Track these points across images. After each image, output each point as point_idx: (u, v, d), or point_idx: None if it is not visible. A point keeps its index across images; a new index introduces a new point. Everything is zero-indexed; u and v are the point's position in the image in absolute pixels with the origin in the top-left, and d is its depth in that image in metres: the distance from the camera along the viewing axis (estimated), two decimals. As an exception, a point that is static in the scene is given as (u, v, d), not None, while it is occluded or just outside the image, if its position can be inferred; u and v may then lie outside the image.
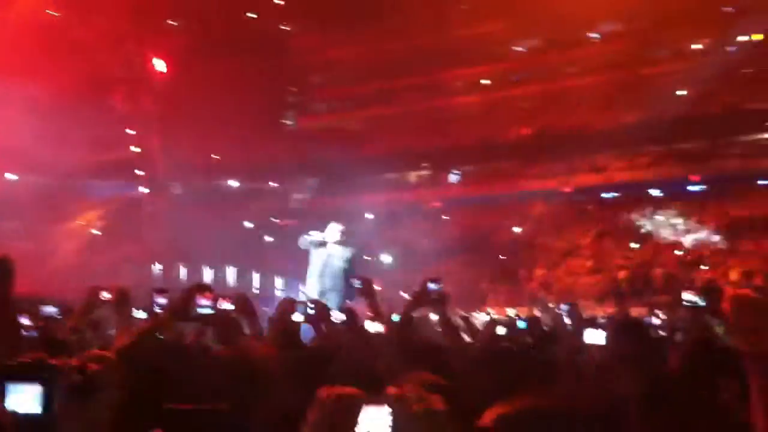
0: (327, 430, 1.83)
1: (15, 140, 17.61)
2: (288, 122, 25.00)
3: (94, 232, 22.10)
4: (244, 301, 4.48)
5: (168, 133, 21.80)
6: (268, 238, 23.00)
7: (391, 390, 1.97)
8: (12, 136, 17.28)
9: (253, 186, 24.36)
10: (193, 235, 20.73)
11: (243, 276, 19.16)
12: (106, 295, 4.56)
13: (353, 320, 5.21)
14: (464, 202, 22.74)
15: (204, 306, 4.21)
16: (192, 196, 22.81)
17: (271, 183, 24.88)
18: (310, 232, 10.55)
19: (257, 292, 18.34)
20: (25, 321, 4.49)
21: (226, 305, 4.70)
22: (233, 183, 23.74)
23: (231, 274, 19.31)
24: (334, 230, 10.42)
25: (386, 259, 21.43)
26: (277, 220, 23.97)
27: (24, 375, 2.21)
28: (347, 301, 9.61)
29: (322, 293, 9.92)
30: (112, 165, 21.97)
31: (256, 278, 19.34)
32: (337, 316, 5.58)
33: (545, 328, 6.26)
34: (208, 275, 19.03)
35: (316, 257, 10.51)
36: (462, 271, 20.35)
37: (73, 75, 19.19)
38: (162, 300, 5.13)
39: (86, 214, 22.37)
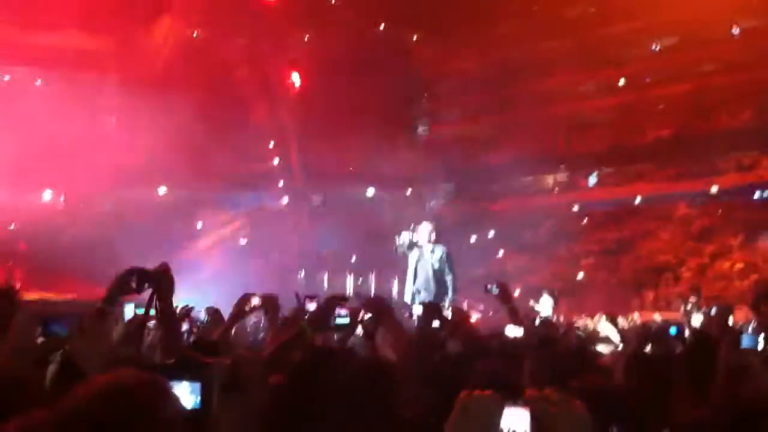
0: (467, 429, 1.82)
1: (165, 155, 18.61)
2: (421, 130, 25.17)
3: (242, 242, 22.99)
4: (379, 305, 4.55)
5: (306, 145, 22.44)
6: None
7: (532, 392, 1.97)
8: (161, 151, 18.27)
9: (389, 194, 24.66)
10: (334, 243, 21.23)
11: (383, 282, 19.40)
12: (255, 302, 4.78)
13: (461, 320, 5.25)
14: (603, 205, 22.22)
15: (342, 316, 4.32)
16: (332, 205, 23.38)
17: (407, 190, 25.10)
18: (402, 233, 10.48)
19: (396, 297, 18.53)
20: (183, 326, 4.80)
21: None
22: (370, 191, 24.09)
23: (372, 280, 19.59)
24: (424, 230, 10.33)
25: (520, 262, 21.18)
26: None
27: (182, 373, 2.36)
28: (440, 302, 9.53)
29: (415, 294, 9.87)
30: (255, 177, 22.79)
31: (395, 284, 19.54)
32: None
33: (696, 334, 6.05)
34: (349, 282, 19.41)
35: (411, 259, 10.47)
36: (603, 276, 19.86)
37: (217, 92, 20.12)
38: (312, 306, 5.34)
39: (233, 224, 23.30)
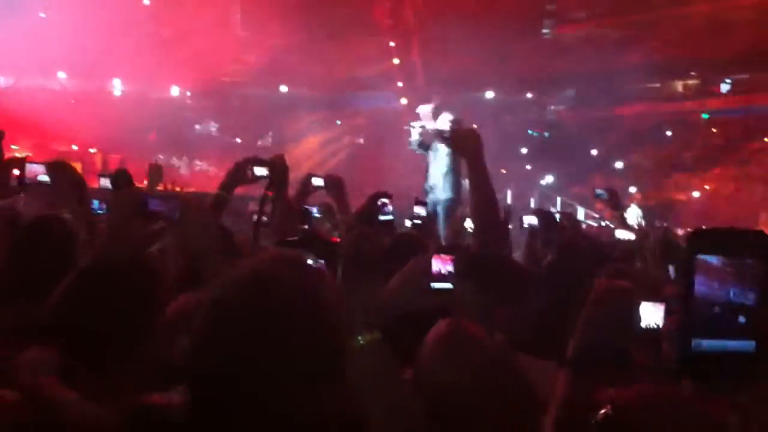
0: (605, 323, 1.81)
1: (286, 55, 18.85)
2: (545, 32, 24.35)
3: (359, 141, 23.26)
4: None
5: (427, 45, 22.17)
6: (524, 150, 22.93)
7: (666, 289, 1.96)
8: (283, 50, 18.51)
9: (510, 98, 24.21)
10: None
11: (498, 188, 19.28)
12: (317, 182, 4.71)
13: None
14: (736, 113, 21.10)
15: (387, 213, 4.32)
16: (450, 107, 23.14)
17: (527, 94, 24.57)
18: (412, 124, 9.50)
19: (511, 203, 18.43)
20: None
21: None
22: (490, 94, 23.71)
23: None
24: (443, 121, 9.21)
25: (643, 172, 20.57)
26: (534, 133, 23.79)
27: (308, 249, 2.41)
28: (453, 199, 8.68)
29: (429, 190, 9.17)
30: (374, 78, 22.78)
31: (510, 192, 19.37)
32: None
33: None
34: (465, 185, 19.37)
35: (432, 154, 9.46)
36: (731, 186, 19.08)
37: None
38: (421, 209, 5.41)
39: (353, 124, 23.55)
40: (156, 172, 14.33)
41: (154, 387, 2.02)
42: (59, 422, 1.83)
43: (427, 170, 9.46)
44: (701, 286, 1.53)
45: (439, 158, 9.23)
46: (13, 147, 16.60)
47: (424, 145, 9.38)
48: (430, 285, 2.85)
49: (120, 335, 2.13)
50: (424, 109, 9.34)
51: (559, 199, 19.45)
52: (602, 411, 1.72)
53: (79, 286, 2.20)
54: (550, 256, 3.85)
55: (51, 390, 1.91)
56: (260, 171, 3.78)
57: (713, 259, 1.52)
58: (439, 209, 8.94)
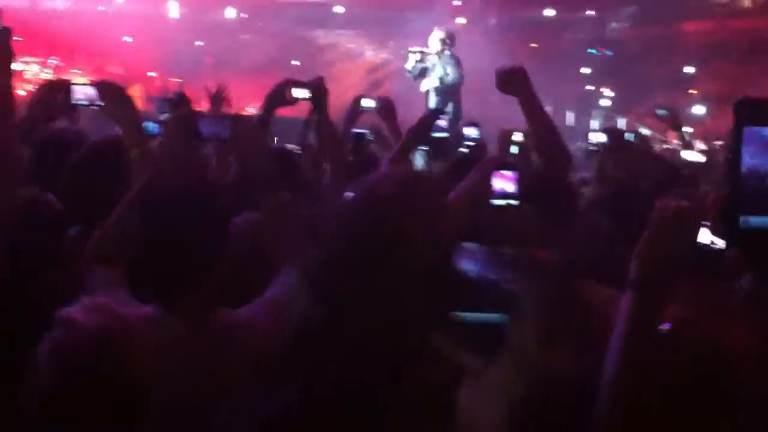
0: (667, 244, 1.77)
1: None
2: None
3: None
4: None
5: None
6: (584, 70, 22.37)
7: None
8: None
9: (569, 15, 23.54)
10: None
11: (558, 109, 18.90)
12: (369, 103, 4.69)
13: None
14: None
15: (441, 129, 4.26)
16: (508, 26, 22.66)
17: (587, 12, 23.84)
18: (409, 54, 9.08)
19: (572, 125, 18.10)
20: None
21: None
22: (549, 12, 23.08)
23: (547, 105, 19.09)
24: (434, 41, 8.89)
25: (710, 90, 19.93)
26: (594, 51, 23.16)
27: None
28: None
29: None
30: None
31: (570, 113, 18.97)
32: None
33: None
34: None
35: (424, 86, 9.07)
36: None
37: None
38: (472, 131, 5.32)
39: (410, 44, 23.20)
40: (217, 95, 14.40)
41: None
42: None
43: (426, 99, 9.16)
44: (751, 158, 1.46)
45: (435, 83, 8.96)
46: (73, 71, 16.83)
47: (423, 72, 9.05)
48: (491, 202, 2.76)
49: (191, 257, 2.17)
50: (435, 36, 8.97)
51: (621, 120, 19.00)
52: (664, 327, 1.74)
53: (145, 212, 2.25)
54: (620, 178, 3.77)
55: None
56: (300, 93, 3.78)
57: (764, 131, 1.45)
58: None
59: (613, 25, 24.04)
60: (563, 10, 23.02)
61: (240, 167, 3.30)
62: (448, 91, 8.73)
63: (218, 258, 2.20)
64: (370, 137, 5.39)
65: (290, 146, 4.18)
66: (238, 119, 3.05)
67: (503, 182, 2.84)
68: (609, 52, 22.81)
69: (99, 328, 1.72)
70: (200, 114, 2.64)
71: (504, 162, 3.03)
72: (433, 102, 8.81)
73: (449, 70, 8.73)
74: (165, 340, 2.14)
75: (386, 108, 4.57)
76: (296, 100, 3.77)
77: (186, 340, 2.17)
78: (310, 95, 3.76)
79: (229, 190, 2.96)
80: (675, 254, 1.77)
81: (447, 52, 8.78)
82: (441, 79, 8.70)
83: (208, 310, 2.20)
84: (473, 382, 1.30)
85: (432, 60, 8.85)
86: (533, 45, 23.01)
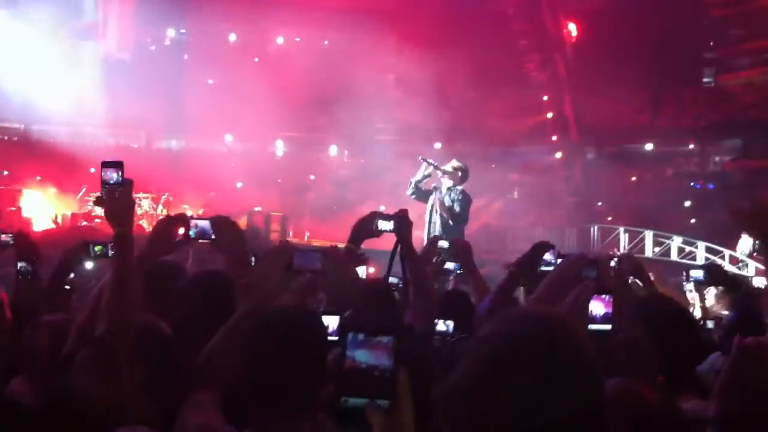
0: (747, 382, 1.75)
1: (439, 112, 19.13)
2: (707, 80, 23.50)
3: (515, 196, 23.11)
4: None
5: (581, 97, 21.91)
6: (687, 203, 22.02)
7: None
8: (435, 107, 18.80)
9: (670, 149, 23.44)
10: (607, 198, 20.58)
11: (660, 241, 18.54)
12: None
13: None
14: None
15: (549, 264, 4.20)
16: (606, 159, 22.70)
17: (690, 146, 23.72)
18: (426, 159, 9.00)
19: (677, 259, 17.67)
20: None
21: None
22: (648, 146, 23.05)
23: (648, 238, 18.74)
24: (449, 166, 8.88)
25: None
26: (698, 185, 22.86)
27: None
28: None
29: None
30: (528, 131, 22.68)
31: (675, 245, 18.51)
32: None
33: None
34: (623, 239, 18.83)
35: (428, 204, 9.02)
36: None
37: (490, 46, 20.23)
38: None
39: (508, 179, 23.43)
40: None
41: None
42: None
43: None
44: None
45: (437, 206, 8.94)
46: (184, 206, 17.66)
47: (423, 193, 9.07)
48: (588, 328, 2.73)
49: (290, 386, 2.24)
50: (452, 164, 9.09)
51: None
52: None
53: (254, 342, 2.33)
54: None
55: None
56: (385, 225, 3.90)
57: None
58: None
59: (717, 158, 23.78)
60: (664, 143, 22.95)
61: (330, 298, 3.40)
62: (452, 226, 8.76)
63: (317, 389, 2.17)
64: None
65: (392, 279, 4.22)
66: (328, 253, 3.16)
67: (600, 306, 2.82)
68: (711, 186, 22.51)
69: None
70: (294, 247, 2.77)
71: (602, 287, 3.03)
72: (437, 228, 8.77)
73: (456, 206, 8.80)
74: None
75: (461, 250, 4.59)
76: (381, 232, 3.90)
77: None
78: (394, 227, 3.94)
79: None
80: (756, 391, 1.71)
81: (459, 187, 8.84)
82: (450, 209, 8.76)
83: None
84: None
85: (445, 183, 8.89)
86: (633, 178, 22.96)
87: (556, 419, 1.30)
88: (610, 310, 2.83)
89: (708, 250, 17.51)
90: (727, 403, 1.71)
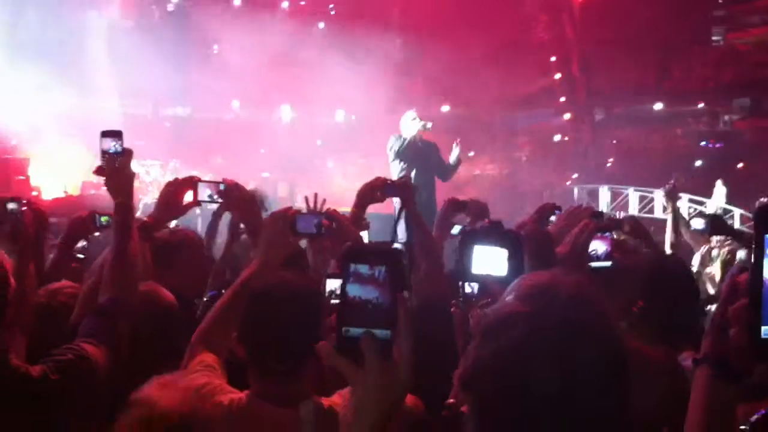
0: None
1: (445, 76, 19.03)
2: (716, 39, 23.25)
3: (523, 158, 23.08)
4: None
5: (590, 58, 21.76)
6: (697, 163, 21.93)
7: None
8: (441, 72, 18.68)
9: (680, 109, 23.28)
10: (617, 160, 20.50)
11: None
12: None
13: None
14: None
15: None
16: (615, 120, 22.60)
17: (699, 105, 23.54)
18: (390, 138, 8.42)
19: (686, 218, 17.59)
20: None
21: None
22: (657, 106, 22.90)
23: (657, 198, 18.68)
24: (407, 123, 8.27)
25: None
26: (707, 144, 22.74)
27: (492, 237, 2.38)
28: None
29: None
30: (536, 94, 22.56)
31: (684, 204, 18.43)
32: None
33: None
34: (633, 200, 18.76)
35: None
36: None
37: (499, 7, 20.04)
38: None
39: (516, 141, 23.39)
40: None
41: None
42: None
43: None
44: None
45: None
46: (192, 173, 17.68)
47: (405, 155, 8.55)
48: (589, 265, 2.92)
49: (292, 347, 2.32)
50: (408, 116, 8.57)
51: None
52: (755, 417, 1.69)
53: (257, 307, 2.39)
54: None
55: None
56: (389, 191, 3.98)
57: None
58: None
59: (726, 117, 23.62)
60: (673, 103, 22.79)
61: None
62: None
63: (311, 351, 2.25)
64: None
65: (397, 245, 4.24)
66: (330, 217, 3.19)
67: (600, 245, 3.04)
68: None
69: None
70: (297, 212, 2.79)
71: (602, 225, 3.21)
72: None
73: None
74: (258, 426, 2.25)
75: (478, 209, 4.56)
76: (386, 197, 3.98)
77: (279, 426, 2.26)
78: (399, 192, 4.00)
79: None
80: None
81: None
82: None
83: (301, 398, 2.28)
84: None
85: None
86: (640, 138, 22.86)
87: (581, 407, 1.31)
88: (610, 248, 3.08)
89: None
90: (716, 341, 1.67)
